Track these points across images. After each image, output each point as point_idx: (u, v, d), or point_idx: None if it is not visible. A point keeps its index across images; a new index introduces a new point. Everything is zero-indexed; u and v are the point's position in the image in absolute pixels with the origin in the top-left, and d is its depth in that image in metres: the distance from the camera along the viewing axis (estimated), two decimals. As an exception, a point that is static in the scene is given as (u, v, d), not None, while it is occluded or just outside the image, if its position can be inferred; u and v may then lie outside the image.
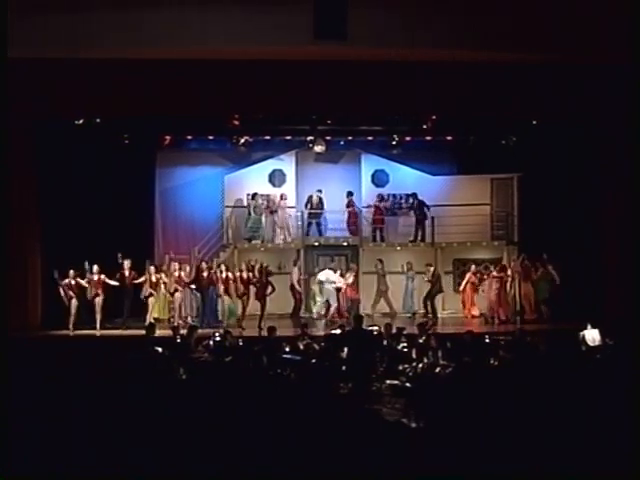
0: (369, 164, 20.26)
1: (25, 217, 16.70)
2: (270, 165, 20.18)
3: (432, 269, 18.43)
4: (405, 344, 12.78)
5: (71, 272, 16.35)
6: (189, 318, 17.48)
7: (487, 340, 13.56)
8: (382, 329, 13.50)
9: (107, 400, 7.63)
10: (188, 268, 17.50)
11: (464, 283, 18.63)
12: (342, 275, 18.66)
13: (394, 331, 13.50)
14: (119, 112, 16.51)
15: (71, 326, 16.27)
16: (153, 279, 16.93)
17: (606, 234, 17.52)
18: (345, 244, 19.95)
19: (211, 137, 19.69)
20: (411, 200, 19.78)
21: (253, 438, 6.43)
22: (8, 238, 14.90)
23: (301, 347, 12.64)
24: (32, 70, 14.30)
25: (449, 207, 19.47)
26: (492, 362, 11.51)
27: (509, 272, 18.04)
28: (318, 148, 19.06)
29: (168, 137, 19.21)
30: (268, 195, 19.74)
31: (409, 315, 18.76)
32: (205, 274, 17.17)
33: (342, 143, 20.12)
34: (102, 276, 16.59)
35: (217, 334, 13.59)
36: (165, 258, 18.31)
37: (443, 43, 14.17)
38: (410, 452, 6.30)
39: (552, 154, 18.53)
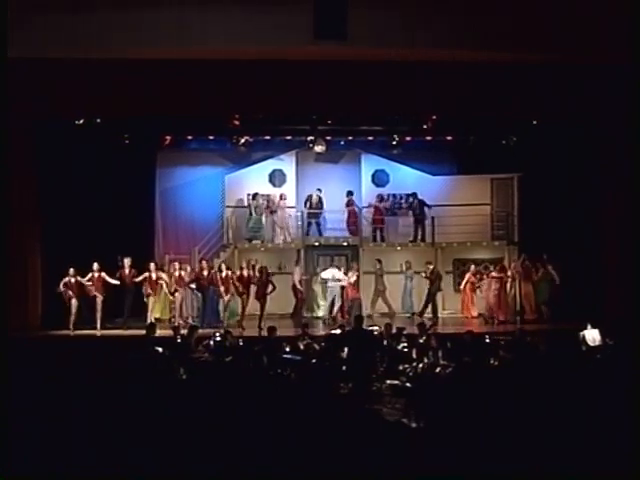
0: (369, 164, 20.26)
1: (25, 217, 16.69)
2: (270, 165, 20.18)
3: (431, 267, 18.39)
4: (405, 344, 12.80)
5: (71, 270, 16.35)
6: (190, 318, 17.50)
7: (487, 340, 13.55)
8: (382, 329, 13.52)
9: (107, 400, 7.64)
10: (189, 268, 17.52)
11: (464, 283, 18.64)
12: (345, 273, 18.64)
13: (394, 331, 13.52)
14: (119, 112, 16.50)
15: (71, 326, 16.25)
16: (153, 276, 16.90)
17: (606, 234, 17.51)
18: (345, 244, 19.95)
19: (211, 137, 19.68)
20: (411, 200, 19.78)
21: (253, 438, 6.43)
22: (8, 238, 14.90)
23: (301, 347, 12.65)
24: (32, 70, 14.27)
25: (449, 207, 19.46)
26: (492, 362, 11.53)
27: (509, 273, 18.05)
28: (318, 148, 19.04)
29: (168, 137, 19.20)
30: (268, 195, 19.73)
31: (408, 315, 18.77)
32: (205, 274, 17.18)
33: (342, 143, 20.11)
34: (102, 274, 16.57)
35: (217, 334, 13.60)
36: (165, 258, 18.29)
37: (443, 43, 14.15)
38: (410, 452, 6.30)
39: (552, 154, 18.53)
